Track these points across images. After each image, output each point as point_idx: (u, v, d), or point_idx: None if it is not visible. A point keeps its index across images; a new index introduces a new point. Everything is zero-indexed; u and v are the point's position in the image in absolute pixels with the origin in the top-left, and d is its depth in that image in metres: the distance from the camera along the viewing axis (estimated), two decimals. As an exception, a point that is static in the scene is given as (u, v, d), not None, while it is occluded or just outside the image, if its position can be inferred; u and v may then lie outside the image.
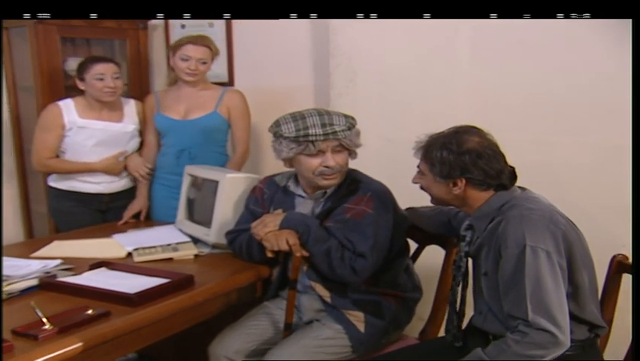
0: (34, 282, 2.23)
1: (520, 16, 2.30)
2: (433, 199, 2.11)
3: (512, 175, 2.02)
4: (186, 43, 3.19)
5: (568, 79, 2.78)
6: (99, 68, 3.14)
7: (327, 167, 2.32)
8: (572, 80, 2.77)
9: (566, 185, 2.80)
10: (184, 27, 3.82)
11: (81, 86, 3.19)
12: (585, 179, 2.79)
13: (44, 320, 1.86)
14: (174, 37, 3.83)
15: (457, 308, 2.13)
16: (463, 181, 1.96)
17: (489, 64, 2.95)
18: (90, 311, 1.96)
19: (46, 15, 2.33)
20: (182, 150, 3.25)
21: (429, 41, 3.05)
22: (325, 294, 2.35)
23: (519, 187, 2.05)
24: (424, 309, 2.58)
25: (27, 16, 2.33)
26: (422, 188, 2.12)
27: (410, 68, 3.12)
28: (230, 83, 3.74)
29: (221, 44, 3.68)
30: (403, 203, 2.51)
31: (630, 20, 2.18)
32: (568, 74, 2.77)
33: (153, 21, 3.86)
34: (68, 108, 3.20)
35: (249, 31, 3.68)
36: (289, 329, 2.33)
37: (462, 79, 3.03)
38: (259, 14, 2.48)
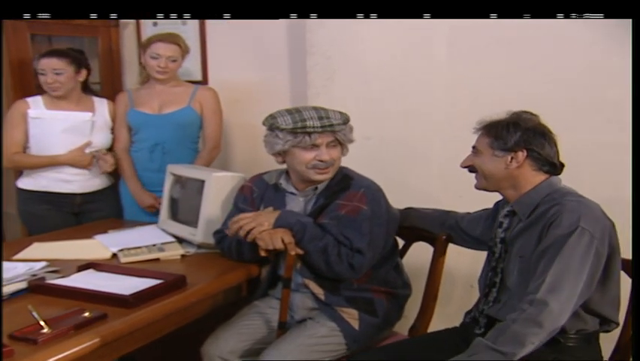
0: (23, 285, 2.17)
1: (520, 16, 2.33)
2: (482, 179, 2.13)
3: (561, 164, 2.10)
4: (156, 42, 3.19)
5: (547, 76, 2.83)
6: (42, 63, 3.16)
7: (321, 161, 2.33)
8: (551, 77, 2.82)
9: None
10: (156, 25, 3.77)
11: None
12: (564, 174, 2.85)
13: (42, 323, 1.82)
14: (146, 34, 3.78)
15: (491, 295, 2.14)
16: (525, 153, 2.02)
17: (467, 62, 2.99)
18: (87, 314, 1.93)
19: (46, 15, 2.30)
20: (155, 144, 3.25)
21: (406, 40, 3.07)
22: (319, 291, 2.35)
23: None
24: (408, 306, 2.60)
25: (27, 16, 2.30)
26: (471, 170, 2.17)
27: (388, 67, 3.14)
28: (204, 81, 3.70)
29: (194, 42, 3.67)
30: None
31: (619, 19, 2.23)
32: (547, 71, 2.83)
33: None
34: (36, 103, 3.20)
35: (223, 29, 3.64)
36: (283, 328, 2.32)
37: (440, 77, 3.06)
38: (259, 14, 2.47)
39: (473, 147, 2.15)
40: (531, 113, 2.11)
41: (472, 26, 2.86)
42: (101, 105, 3.34)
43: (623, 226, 2.05)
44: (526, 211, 2.04)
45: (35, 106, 3.19)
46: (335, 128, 2.33)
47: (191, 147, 3.35)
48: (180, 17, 2.46)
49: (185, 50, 3.27)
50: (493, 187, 2.14)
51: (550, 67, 2.82)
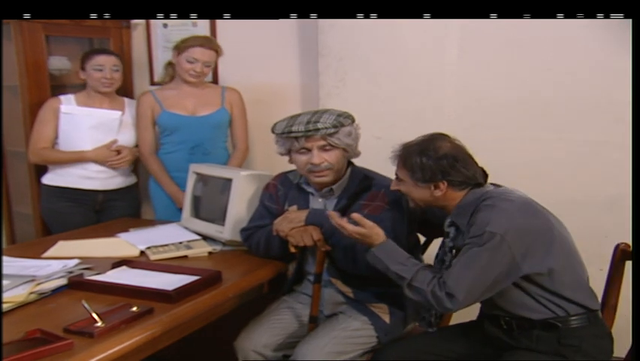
0: (64, 281, 2.22)
1: (520, 16, 2.40)
2: (415, 203, 2.20)
3: (484, 174, 2.17)
4: (195, 46, 3.22)
5: (555, 76, 2.91)
6: (99, 59, 3.26)
7: (312, 164, 2.39)
8: (560, 77, 2.90)
9: (550, 179, 2.94)
10: (166, 26, 3.82)
11: (82, 75, 3.29)
12: (567, 173, 2.94)
13: (96, 317, 1.87)
14: (155, 36, 3.85)
15: None
16: (445, 184, 2.09)
17: (477, 63, 3.07)
18: (135, 308, 1.98)
19: (46, 15, 2.37)
20: (194, 146, 3.31)
21: (417, 41, 3.14)
22: (346, 290, 2.43)
23: (492, 184, 2.18)
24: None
25: (27, 16, 2.34)
26: (402, 193, 2.24)
27: (399, 68, 3.21)
28: (214, 82, 3.74)
29: (204, 44, 3.71)
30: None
31: (621, 20, 2.30)
32: (555, 71, 2.91)
33: (134, 20, 3.85)
34: (68, 101, 3.29)
35: (234, 30, 3.68)
36: (315, 322, 2.39)
37: (450, 78, 3.13)
38: (259, 14, 2.54)
39: (396, 174, 2.21)
40: (443, 136, 2.15)
41: (483, 28, 2.95)
42: (131, 106, 3.43)
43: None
44: (464, 221, 2.10)
45: (67, 103, 3.29)
46: (319, 133, 2.36)
47: (224, 147, 3.43)
48: (185, 17, 2.53)
49: (219, 55, 3.32)
50: (427, 207, 2.23)
51: (558, 67, 2.90)
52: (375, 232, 2.13)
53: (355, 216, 2.12)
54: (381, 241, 2.13)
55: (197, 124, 3.31)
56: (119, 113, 3.35)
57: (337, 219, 2.16)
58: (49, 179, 3.34)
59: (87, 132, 3.26)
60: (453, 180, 2.08)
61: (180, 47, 3.25)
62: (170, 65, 3.40)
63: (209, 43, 3.26)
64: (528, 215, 2.02)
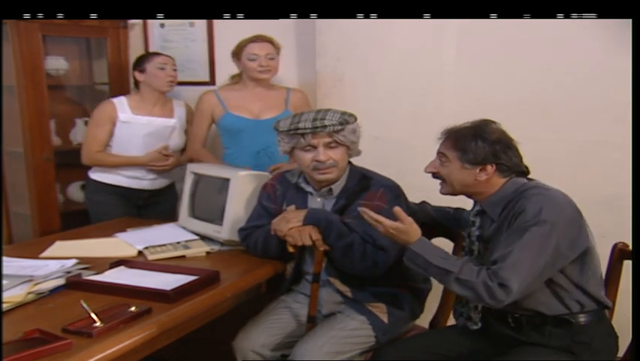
0: (62, 281, 2.21)
1: (520, 16, 2.40)
2: (449, 187, 2.17)
3: (527, 168, 2.17)
4: (249, 43, 3.22)
5: (555, 77, 2.91)
6: (161, 60, 3.33)
7: (318, 161, 2.38)
8: (557, 78, 2.90)
9: (550, 179, 2.92)
10: (163, 26, 3.83)
11: (140, 77, 3.33)
12: (567, 173, 2.91)
13: (95, 317, 1.86)
14: (153, 36, 3.86)
15: None
16: (493, 167, 2.08)
17: (475, 63, 3.06)
18: (133, 308, 1.97)
19: (44, 15, 2.35)
20: (260, 150, 3.27)
21: (416, 41, 3.14)
22: (345, 289, 2.43)
23: (528, 178, 2.18)
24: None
25: (27, 16, 2.34)
26: (436, 176, 2.19)
27: (397, 68, 3.21)
28: (211, 82, 3.75)
29: (202, 44, 3.72)
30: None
31: (621, 20, 2.32)
32: (555, 71, 2.90)
33: (132, 20, 3.84)
34: (122, 104, 3.33)
35: (231, 30, 3.67)
36: (313, 322, 2.39)
37: (448, 78, 3.13)
38: (259, 14, 2.53)
39: (440, 153, 2.17)
40: (493, 122, 2.17)
41: (481, 27, 2.94)
42: (179, 108, 3.48)
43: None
44: (497, 211, 2.10)
45: (121, 107, 3.33)
46: (328, 130, 2.36)
47: None
48: (184, 17, 2.52)
49: (277, 48, 3.29)
50: (459, 193, 2.19)
51: (558, 67, 2.90)
52: (413, 228, 2.06)
53: (397, 209, 2.06)
54: (418, 236, 2.07)
55: (261, 128, 3.23)
56: (173, 120, 3.42)
57: (372, 214, 2.10)
58: (99, 176, 3.42)
59: (141, 139, 3.35)
60: (502, 164, 2.09)
61: (237, 52, 3.25)
62: (234, 77, 3.38)
63: (261, 37, 3.24)
64: (572, 206, 2.05)
